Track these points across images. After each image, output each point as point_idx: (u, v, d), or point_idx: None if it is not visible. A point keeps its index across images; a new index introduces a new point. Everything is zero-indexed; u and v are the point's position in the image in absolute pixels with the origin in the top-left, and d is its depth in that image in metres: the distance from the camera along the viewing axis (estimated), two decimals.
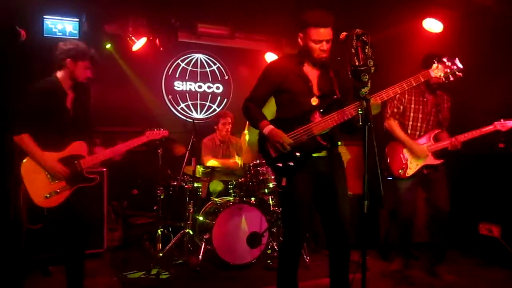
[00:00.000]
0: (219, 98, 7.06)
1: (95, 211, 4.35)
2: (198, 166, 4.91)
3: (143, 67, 6.27)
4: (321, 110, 2.69)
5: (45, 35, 4.95)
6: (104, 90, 5.81)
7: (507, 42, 4.34)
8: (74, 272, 3.00)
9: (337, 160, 2.81)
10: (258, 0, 5.09)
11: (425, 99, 3.87)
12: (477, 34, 4.48)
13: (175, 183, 4.72)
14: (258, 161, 4.54)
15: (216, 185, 4.99)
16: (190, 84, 6.89)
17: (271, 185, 4.38)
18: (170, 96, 6.73)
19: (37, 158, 2.82)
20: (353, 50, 2.36)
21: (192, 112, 6.88)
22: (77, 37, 5.03)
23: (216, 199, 4.63)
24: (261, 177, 4.46)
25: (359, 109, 2.36)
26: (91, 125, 3.48)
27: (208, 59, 7.04)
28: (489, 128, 3.69)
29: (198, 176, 4.80)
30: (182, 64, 6.85)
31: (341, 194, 2.74)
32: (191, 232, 4.32)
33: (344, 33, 2.57)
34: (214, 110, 6.98)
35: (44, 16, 4.98)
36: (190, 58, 6.90)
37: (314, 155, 2.70)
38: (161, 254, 4.16)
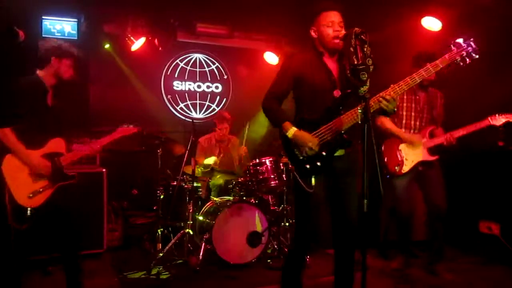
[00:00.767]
0: (218, 97, 7.06)
1: (94, 212, 4.35)
2: (198, 166, 4.91)
3: (142, 67, 6.27)
4: (344, 105, 2.63)
5: (43, 35, 4.95)
6: (103, 90, 5.82)
7: (506, 40, 4.34)
8: (71, 272, 3.00)
9: (355, 157, 2.75)
10: None
11: (417, 97, 3.88)
12: (476, 33, 4.47)
13: (174, 183, 4.72)
14: (257, 160, 4.54)
15: (217, 180, 4.99)
16: (189, 84, 6.89)
17: (271, 184, 4.38)
18: (169, 96, 6.73)
19: (21, 155, 2.80)
20: (351, 49, 2.35)
21: (191, 111, 6.88)
22: (75, 38, 5.03)
23: (215, 199, 4.63)
24: (261, 176, 4.46)
25: (359, 108, 2.35)
26: (80, 124, 3.44)
27: (207, 58, 7.04)
28: (483, 123, 3.67)
29: (197, 175, 4.80)
30: (181, 64, 6.85)
31: (351, 192, 2.73)
32: (191, 232, 4.32)
33: (343, 32, 2.58)
34: (214, 109, 6.98)
35: (43, 17, 4.98)
36: (189, 58, 6.90)
37: (336, 154, 2.66)
38: (161, 254, 4.16)
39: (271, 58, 6.56)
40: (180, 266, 4.16)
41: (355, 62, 2.33)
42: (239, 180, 4.63)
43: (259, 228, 4.24)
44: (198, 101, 6.94)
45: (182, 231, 4.32)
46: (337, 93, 2.67)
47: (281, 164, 4.57)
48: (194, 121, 5.05)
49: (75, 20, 5.12)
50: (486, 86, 4.46)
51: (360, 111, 2.35)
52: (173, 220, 4.67)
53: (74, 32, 5.09)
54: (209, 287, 3.76)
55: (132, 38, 5.64)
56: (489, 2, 4.34)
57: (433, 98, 3.91)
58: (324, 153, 2.64)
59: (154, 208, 4.69)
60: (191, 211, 4.38)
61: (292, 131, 2.64)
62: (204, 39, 6.27)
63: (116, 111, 5.88)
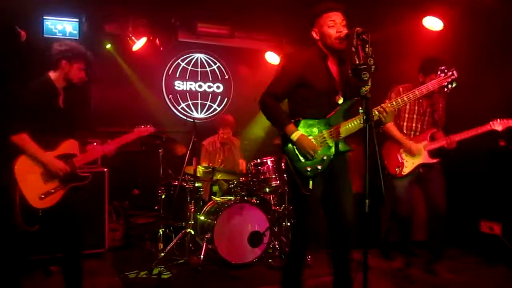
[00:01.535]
0: (219, 97, 7.06)
1: (96, 211, 4.36)
2: (199, 166, 4.91)
3: (143, 67, 6.27)
4: (347, 111, 2.69)
5: (45, 35, 4.96)
6: (104, 91, 5.82)
7: (507, 40, 4.34)
8: (72, 272, 2.99)
9: (344, 158, 2.81)
10: None
11: (420, 100, 3.87)
12: (477, 32, 4.48)
13: (176, 183, 4.72)
14: (259, 160, 4.54)
15: (221, 184, 5.00)
16: (191, 84, 6.89)
17: (273, 184, 4.38)
18: (170, 96, 6.73)
19: (38, 156, 2.80)
20: (353, 49, 2.35)
21: (192, 111, 6.88)
22: (77, 38, 5.04)
23: (217, 198, 4.63)
24: (262, 176, 4.46)
25: (360, 109, 2.36)
26: (85, 125, 3.45)
27: (208, 58, 7.04)
28: (485, 127, 3.71)
29: (199, 175, 4.80)
30: (182, 64, 6.85)
31: (345, 193, 2.76)
32: (193, 232, 4.32)
33: (345, 31, 2.58)
34: (215, 109, 6.99)
35: (44, 17, 4.99)
36: (190, 58, 6.90)
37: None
38: (162, 254, 4.17)
39: (272, 58, 6.57)
40: (181, 266, 4.16)
41: (357, 62, 2.33)
42: (241, 180, 4.63)
43: (260, 228, 4.24)
44: (199, 101, 6.95)
45: (183, 231, 4.33)
46: (339, 98, 2.69)
47: (282, 164, 4.57)
48: (195, 121, 5.03)
49: (77, 20, 5.13)
50: (488, 88, 4.44)
51: (361, 111, 2.35)
52: (175, 220, 4.67)
53: (76, 32, 5.10)
54: (211, 287, 3.77)
55: (133, 38, 5.64)
56: (491, 2, 4.33)
57: (435, 101, 3.91)
58: (325, 158, 2.66)
59: (156, 208, 4.69)
60: (192, 211, 4.38)
61: (297, 134, 2.63)
62: (205, 39, 6.28)
63: (118, 111, 5.90)
